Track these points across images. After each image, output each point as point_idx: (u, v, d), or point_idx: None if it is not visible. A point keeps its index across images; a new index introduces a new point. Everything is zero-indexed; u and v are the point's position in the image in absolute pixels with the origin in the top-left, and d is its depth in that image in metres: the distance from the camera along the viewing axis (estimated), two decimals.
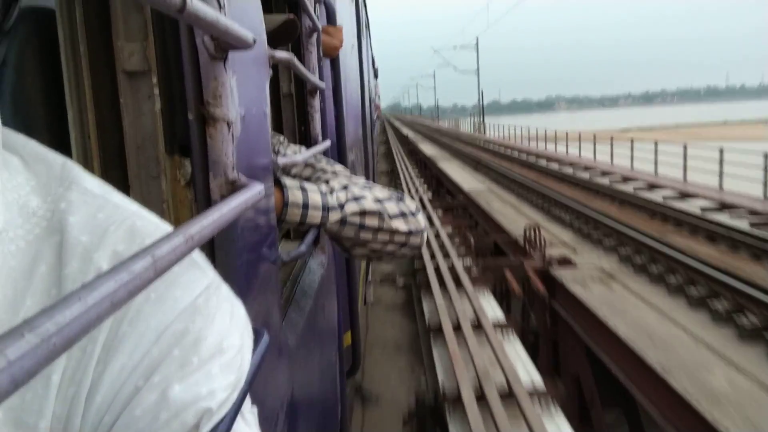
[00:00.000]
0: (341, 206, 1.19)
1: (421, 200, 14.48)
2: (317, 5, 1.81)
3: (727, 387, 4.94)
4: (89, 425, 0.38)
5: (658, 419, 5.36)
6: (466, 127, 62.17)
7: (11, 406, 0.36)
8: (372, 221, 1.22)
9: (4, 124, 0.42)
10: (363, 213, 1.21)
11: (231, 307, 0.46)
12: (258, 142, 0.85)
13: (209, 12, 0.49)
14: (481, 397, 4.84)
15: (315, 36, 1.56)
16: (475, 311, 6.79)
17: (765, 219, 10.40)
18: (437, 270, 8.46)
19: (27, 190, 0.41)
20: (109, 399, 0.38)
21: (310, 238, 1.23)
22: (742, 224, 9.94)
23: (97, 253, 0.40)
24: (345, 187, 1.23)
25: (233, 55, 0.67)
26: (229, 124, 0.67)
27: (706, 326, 6.32)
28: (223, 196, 0.66)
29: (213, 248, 0.66)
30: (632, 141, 18.58)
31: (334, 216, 1.18)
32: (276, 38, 1.29)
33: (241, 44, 0.64)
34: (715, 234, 9.44)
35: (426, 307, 7.57)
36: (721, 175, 14.05)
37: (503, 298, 10.26)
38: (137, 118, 0.81)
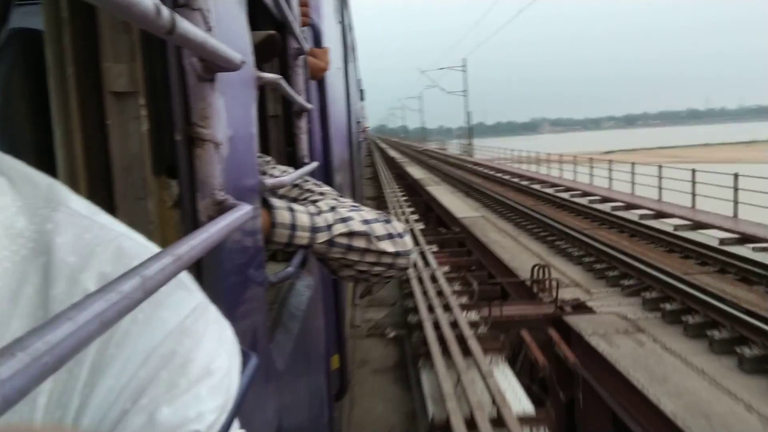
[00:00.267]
0: (329, 227, 1.19)
1: (413, 232, 12.30)
2: (304, 27, 1.82)
3: None
4: None
5: None
6: (452, 149, 62.49)
7: None
8: (359, 242, 1.22)
9: None
10: (350, 234, 1.21)
11: (219, 329, 0.45)
12: (245, 163, 0.85)
13: (198, 34, 0.50)
14: None
15: (302, 58, 1.57)
16: (492, 397, 4.97)
17: None
18: (436, 326, 6.64)
19: (13, 211, 0.41)
20: (97, 422, 0.37)
21: (297, 259, 1.22)
22: None
23: (84, 274, 0.40)
24: (332, 208, 1.23)
25: (221, 76, 0.67)
26: (216, 145, 0.67)
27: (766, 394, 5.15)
28: (211, 217, 0.66)
29: (200, 269, 0.66)
30: (633, 165, 18.04)
31: (322, 237, 1.18)
32: (258, 54, 1.30)
33: (229, 66, 0.64)
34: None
35: (426, 383, 5.69)
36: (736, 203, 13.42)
37: (522, 366, 7.73)
38: (124, 138, 0.81)
